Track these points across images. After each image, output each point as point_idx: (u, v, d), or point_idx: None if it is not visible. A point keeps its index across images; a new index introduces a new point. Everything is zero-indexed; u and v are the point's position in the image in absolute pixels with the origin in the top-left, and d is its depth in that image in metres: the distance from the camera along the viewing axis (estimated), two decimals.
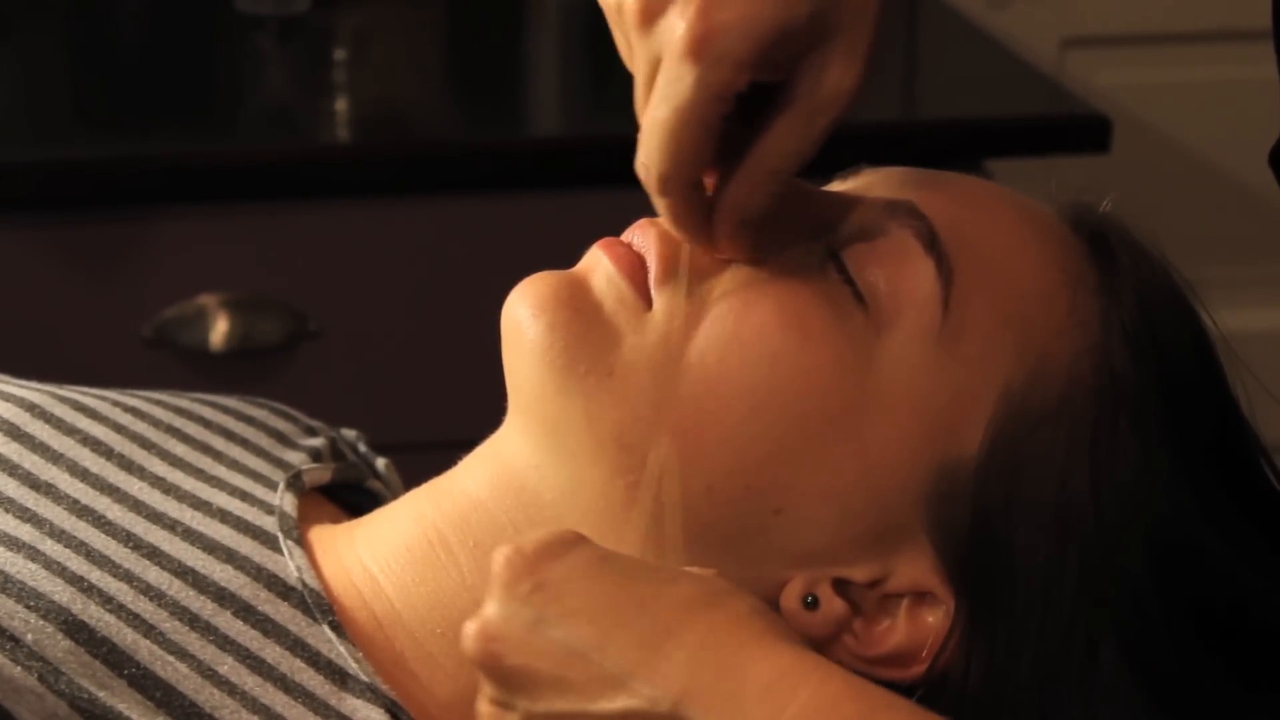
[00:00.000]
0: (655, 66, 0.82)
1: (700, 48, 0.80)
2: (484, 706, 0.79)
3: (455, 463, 0.93)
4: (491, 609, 0.78)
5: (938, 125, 1.86)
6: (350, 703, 0.85)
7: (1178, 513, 0.85)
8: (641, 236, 0.89)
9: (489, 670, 0.78)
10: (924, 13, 2.14)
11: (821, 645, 0.85)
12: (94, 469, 0.92)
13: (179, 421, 0.98)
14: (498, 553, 0.79)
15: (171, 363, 1.73)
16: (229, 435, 0.99)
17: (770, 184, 0.83)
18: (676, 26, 0.80)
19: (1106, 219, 0.91)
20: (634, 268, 0.88)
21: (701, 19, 0.80)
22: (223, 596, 0.87)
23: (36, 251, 1.72)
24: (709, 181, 0.85)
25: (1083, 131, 1.85)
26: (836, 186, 0.92)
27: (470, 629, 0.78)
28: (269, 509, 0.93)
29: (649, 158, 0.82)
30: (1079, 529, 0.84)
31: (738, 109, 0.81)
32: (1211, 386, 0.89)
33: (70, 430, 0.94)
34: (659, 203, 0.84)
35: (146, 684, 0.82)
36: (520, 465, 0.89)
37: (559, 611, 0.77)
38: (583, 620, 0.77)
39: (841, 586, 0.86)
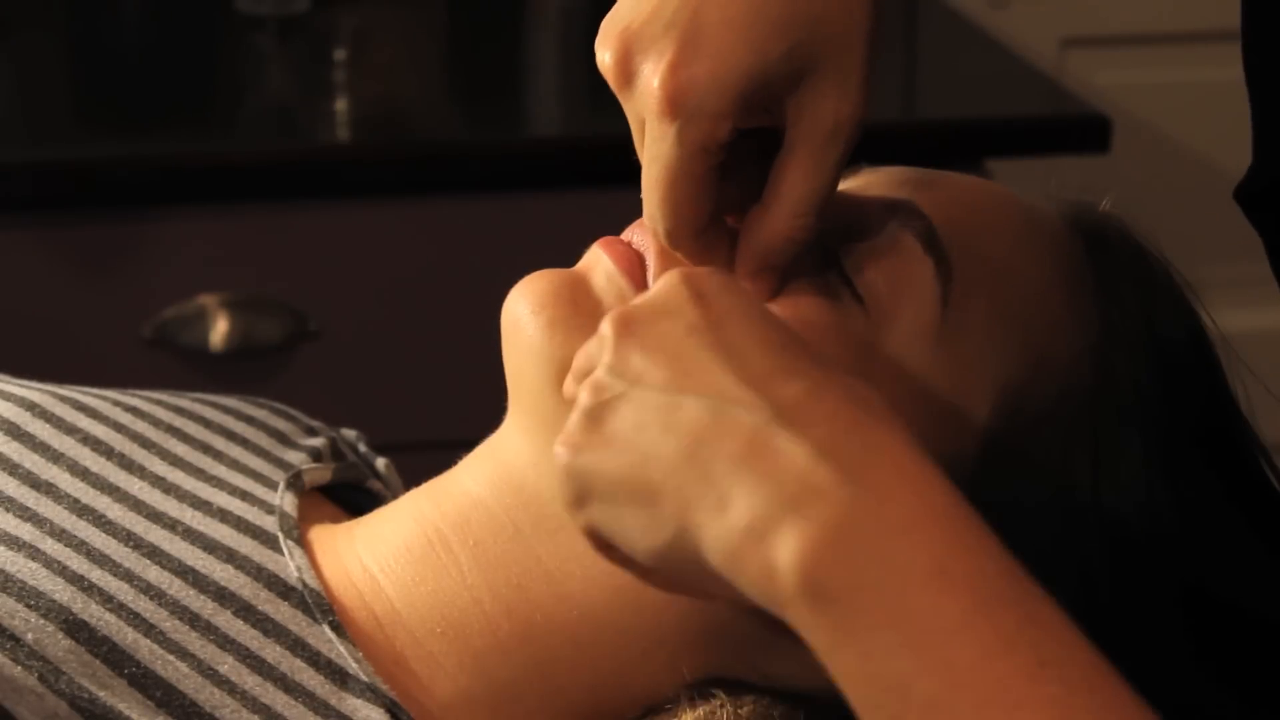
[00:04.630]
0: (642, 124, 0.82)
1: (674, 106, 0.80)
2: (581, 377, 0.75)
3: (455, 463, 0.93)
4: (647, 296, 0.74)
5: (938, 125, 1.86)
6: (350, 702, 0.86)
7: (1177, 512, 0.85)
8: (641, 235, 0.89)
9: (615, 335, 0.73)
10: (924, 13, 2.14)
11: None
12: (94, 468, 0.92)
13: (179, 421, 0.98)
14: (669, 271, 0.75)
15: (171, 363, 1.73)
16: (229, 435, 0.99)
17: (798, 224, 0.83)
18: (650, 85, 0.80)
19: (1106, 219, 0.91)
20: (634, 266, 0.88)
21: (671, 77, 0.80)
22: (223, 596, 0.87)
23: (36, 251, 1.72)
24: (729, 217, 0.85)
25: (1082, 131, 1.85)
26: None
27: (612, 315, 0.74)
28: (269, 509, 0.93)
29: (651, 217, 0.83)
30: (1078, 528, 0.84)
31: (747, 148, 0.81)
32: (1211, 386, 0.89)
33: (70, 429, 0.94)
34: (676, 253, 0.85)
35: (147, 683, 0.82)
36: (520, 464, 0.89)
37: (712, 325, 0.73)
38: (738, 343, 0.72)
39: None
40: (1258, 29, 0.88)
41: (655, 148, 0.81)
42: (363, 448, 1.06)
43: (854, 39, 0.81)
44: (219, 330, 1.74)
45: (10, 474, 0.91)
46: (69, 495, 0.90)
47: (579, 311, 0.87)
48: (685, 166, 0.81)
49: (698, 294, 0.74)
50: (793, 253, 0.84)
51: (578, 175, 1.75)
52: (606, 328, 0.75)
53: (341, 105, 1.89)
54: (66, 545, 0.87)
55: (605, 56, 0.82)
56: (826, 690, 0.78)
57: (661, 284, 0.76)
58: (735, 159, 0.83)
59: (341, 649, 0.87)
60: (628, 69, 0.81)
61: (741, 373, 0.71)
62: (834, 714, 0.87)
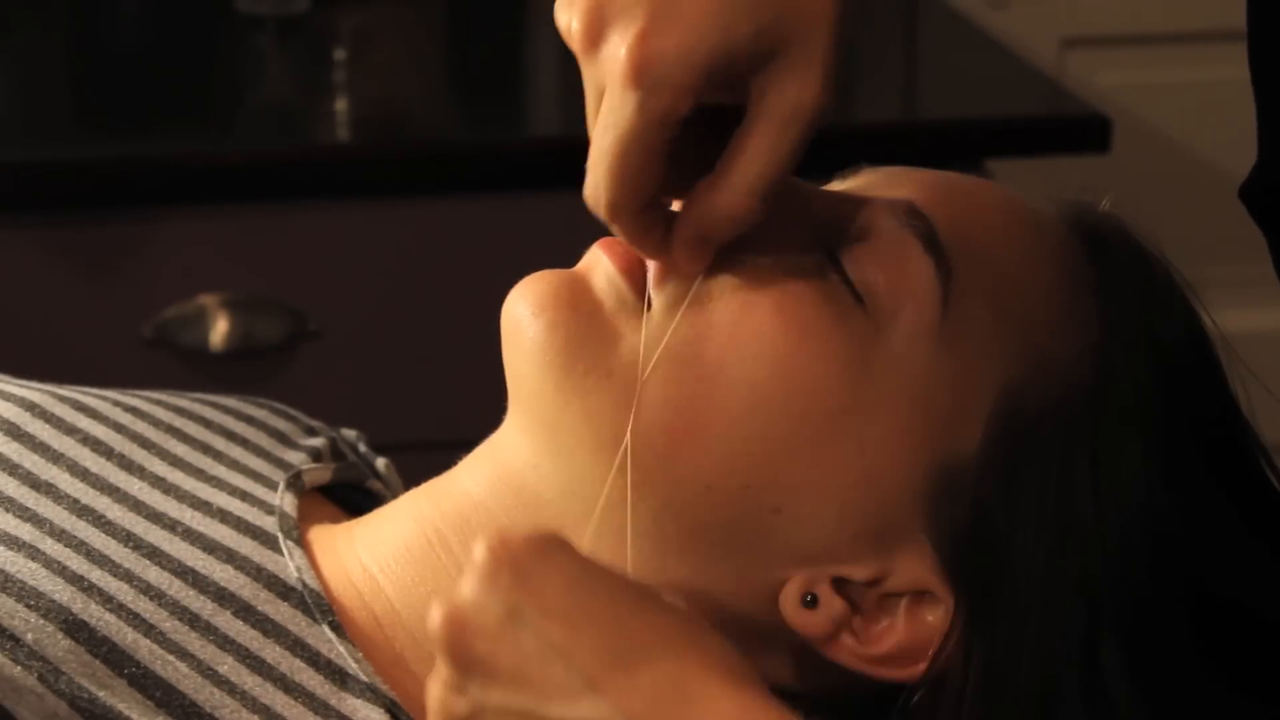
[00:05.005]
0: (601, 91, 0.82)
1: (639, 75, 0.80)
2: (435, 688, 0.78)
3: (455, 463, 0.93)
4: (466, 593, 0.77)
5: (938, 125, 1.86)
6: (350, 703, 0.86)
7: (1177, 512, 0.85)
8: None
9: (450, 653, 0.77)
10: (924, 13, 2.14)
11: (821, 644, 0.85)
12: (94, 469, 0.92)
13: (179, 421, 0.98)
14: (481, 540, 0.77)
15: (171, 363, 1.73)
16: (229, 435, 0.99)
17: (744, 203, 0.83)
18: (617, 53, 0.80)
19: (1106, 219, 0.91)
20: (633, 267, 0.88)
21: (640, 45, 0.80)
22: (223, 596, 0.87)
23: (36, 251, 1.72)
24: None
25: (1082, 131, 1.85)
26: (836, 186, 0.92)
27: (439, 609, 0.77)
28: (269, 509, 0.93)
29: (595, 186, 0.83)
30: (1078, 528, 0.84)
31: (706, 123, 0.81)
32: (1211, 386, 0.89)
33: (70, 430, 0.94)
34: (612, 227, 0.85)
35: (146, 683, 0.82)
36: (520, 465, 0.89)
37: (536, 609, 0.76)
38: (556, 622, 0.76)
39: (841, 585, 0.86)
40: (1263, 27, 0.88)
41: (612, 115, 0.81)
42: (363, 448, 1.06)
43: (820, 27, 0.81)
44: (219, 330, 1.74)
45: (10, 474, 0.91)
46: (69, 495, 0.90)
47: (579, 313, 0.87)
48: (641, 139, 0.81)
49: (516, 577, 0.76)
50: (732, 232, 0.83)
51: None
52: (437, 625, 0.77)
53: (341, 105, 1.89)
54: (66, 545, 0.87)
55: (572, 20, 0.82)
56: (820, 692, 0.79)
57: (478, 570, 0.77)
58: (682, 143, 0.82)
59: (341, 649, 0.87)
60: (595, 34, 0.81)
61: (582, 677, 0.75)
62: (832, 714, 0.88)
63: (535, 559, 0.77)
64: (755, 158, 0.82)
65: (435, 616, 0.77)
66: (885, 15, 2.09)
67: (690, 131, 0.82)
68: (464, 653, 0.77)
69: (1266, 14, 0.88)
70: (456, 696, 0.77)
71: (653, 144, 0.81)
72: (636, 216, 0.84)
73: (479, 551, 0.77)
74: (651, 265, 0.87)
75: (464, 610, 0.77)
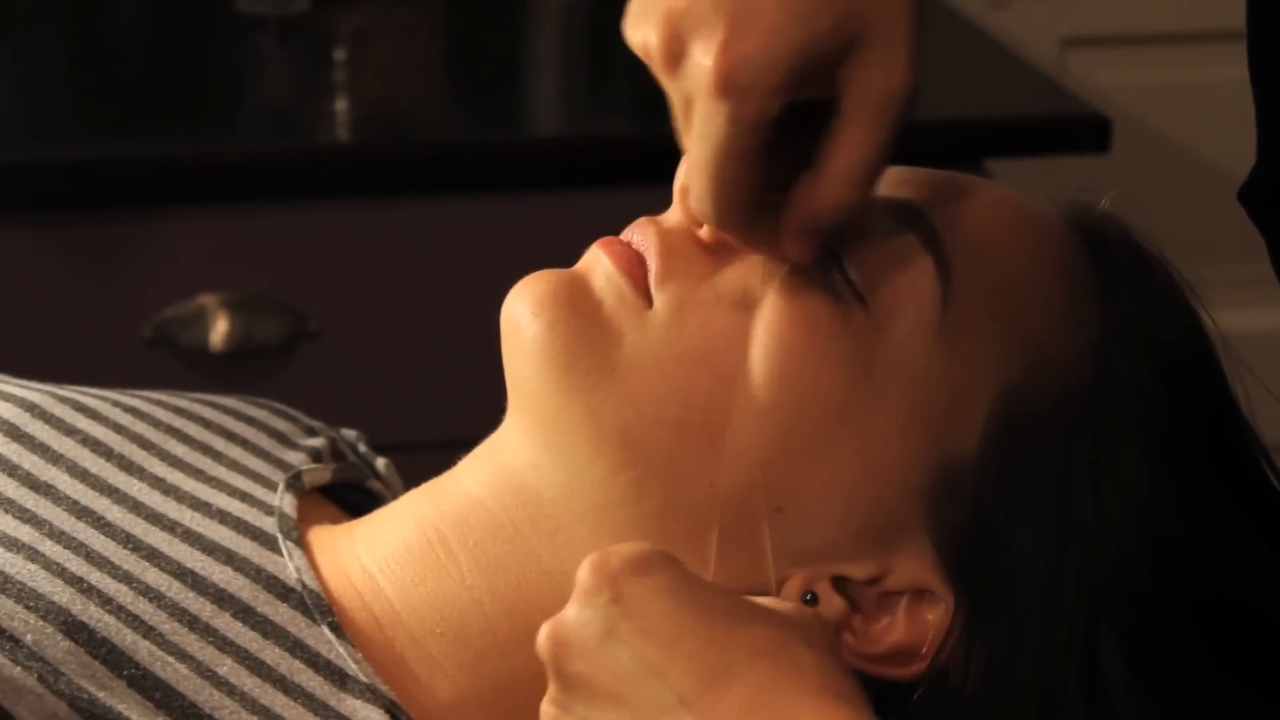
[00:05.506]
0: (688, 106, 0.82)
1: (729, 84, 0.80)
2: (546, 706, 0.80)
3: (455, 463, 0.93)
4: (570, 612, 0.79)
5: (938, 125, 1.86)
6: (350, 703, 0.86)
7: (1177, 511, 0.85)
8: (641, 235, 0.89)
9: (555, 671, 0.79)
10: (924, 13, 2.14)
11: None
12: (94, 470, 0.92)
13: (179, 422, 0.98)
14: (587, 559, 0.80)
15: (171, 363, 1.73)
16: (229, 436, 0.99)
17: (850, 192, 0.83)
18: (702, 66, 0.80)
19: (1106, 218, 0.91)
20: (634, 266, 0.88)
21: (724, 55, 0.79)
22: (222, 598, 0.87)
23: (36, 251, 1.72)
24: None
25: (1083, 131, 1.85)
26: None
27: (545, 628, 0.79)
28: (269, 510, 0.93)
29: (699, 199, 0.83)
30: (1078, 527, 0.84)
31: (787, 124, 0.81)
32: (1211, 386, 0.89)
33: (70, 431, 0.94)
34: (725, 234, 0.86)
35: (146, 684, 0.82)
36: (519, 465, 0.89)
37: (631, 628, 0.78)
38: (652, 641, 0.78)
39: (841, 584, 0.86)
40: (1262, 27, 0.88)
41: (705, 127, 0.81)
42: (363, 448, 1.06)
43: (898, 11, 0.81)
44: (219, 330, 1.74)
45: (10, 475, 0.91)
46: (68, 497, 0.90)
47: (578, 313, 0.87)
48: (737, 146, 0.81)
49: (613, 595, 0.78)
50: (838, 220, 0.83)
51: (578, 175, 1.75)
52: (543, 643, 0.79)
53: (341, 105, 1.89)
54: (66, 547, 0.87)
55: (649, 36, 0.82)
56: None
57: (580, 589, 0.79)
58: (775, 139, 0.82)
59: (341, 650, 0.87)
60: (675, 49, 0.81)
61: (675, 695, 0.77)
62: None
63: (634, 576, 0.79)
64: (854, 149, 0.82)
65: (542, 635, 0.79)
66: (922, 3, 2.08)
67: (783, 126, 0.82)
68: (565, 671, 0.79)
69: (1266, 14, 0.88)
70: (562, 715, 0.79)
71: (749, 149, 0.81)
72: (744, 219, 0.84)
73: (582, 570, 0.79)
74: (652, 264, 0.88)
75: (565, 628, 0.79)
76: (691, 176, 0.83)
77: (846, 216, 0.84)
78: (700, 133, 0.81)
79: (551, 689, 0.80)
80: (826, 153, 0.82)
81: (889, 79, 0.81)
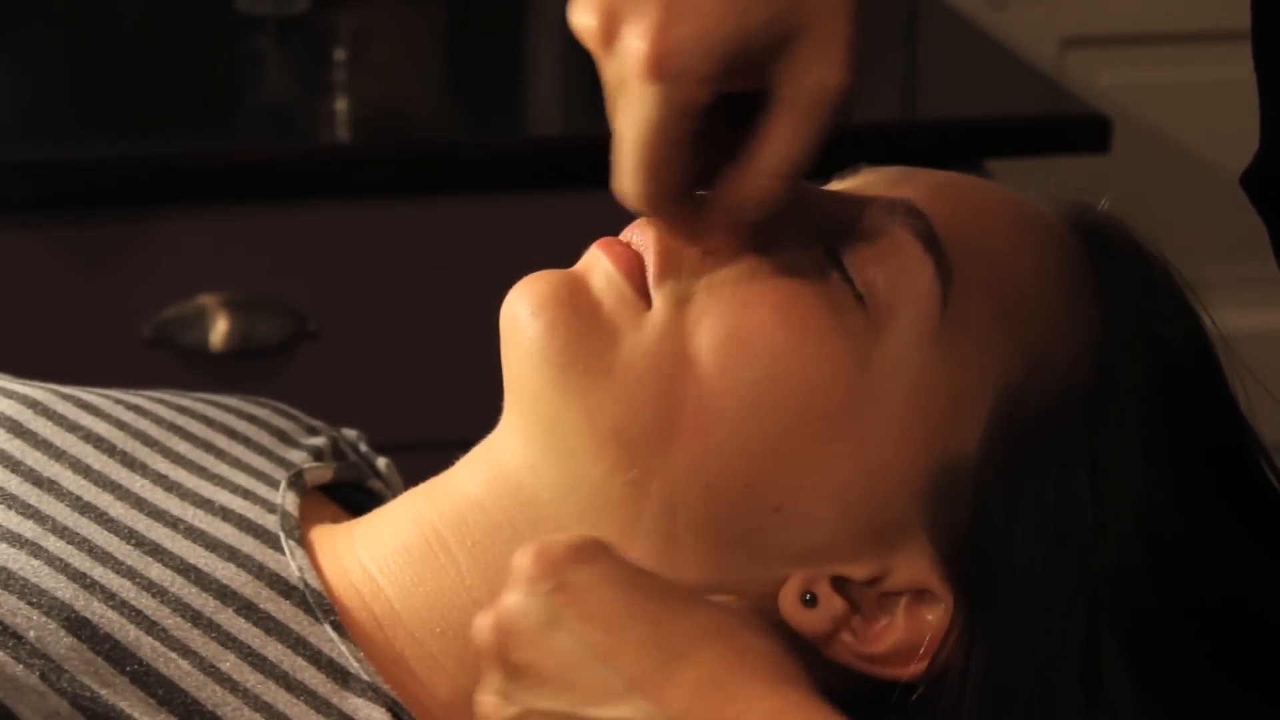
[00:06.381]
0: (620, 86, 0.82)
1: (658, 68, 0.80)
2: (484, 696, 0.80)
3: (454, 463, 0.93)
4: (510, 600, 0.79)
5: (938, 125, 1.86)
6: (352, 701, 0.86)
7: (1176, 512, 0.85)
8: (640, 235, 0.89)
9: (497, 660, 0.79)
10: (924, 13, 2.14)
11: (820, 643, 0.85)
12: (96, 466, 0.93)
13: (181, 419, 0.98)
14: (525, 547, 0.80)
15: (171, 363, 1.73)
16: (231, 433, 0.99)
17: (774, 186, 0.83)
18: (633, 47, 0.80)
19: (1106, 218, 0.91)
20: (633, 266, 0.88)
21: (657, 38, 0.80)
22: (225, 594, 0.87)
23: (36, 251, 1.72)
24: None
25: (1083, 131, 1.85)
26: (836, 186, 0.92)
27: (484, 617, 0.79)
28: (271, 507, 0.93)
29: (625, 179, 0.83)
30: (1078, 527, 0.84)
31: (723, 112, 0.81)
32: (1211, 386, 0.89)
33: (73, 427, 0.94)
34: (647, 219, 0.86)
35: (149, 681, 0.82)
36: (517, 465, 0.89)
37: (575, 614, 0.78)
38: (597, 626, 0.78)
39: (840, 584, 0.86)
40: (1266, 11, 0.88)
41: (634, 110, 0.81)
42: (364, 447, 1.06)
43: (837, 9, 0.81)
44: (219, 330, 1.74)
45: (12, 471, 0.91)
46: (71, 493, 0.90)
47: (578, 313, 0.87)
48: (665, 131, 0.81)
49: (557, 584, 0.79)
50: (762, 214, 0.84)
51: (578, 175, 1.75)
52: (483, 632, 0.79)
53: (341, 105, 1.89)
54: (68, 543, 0.87)
55: (586, 18, 0.82)
56: (819, 690, 0.79)
57: (520, 577, 0.79)
58: (708, 131, 0.83)
59: (343, 648, 0.87)
60: (610, 30, 0.82)
61: (624, 680, 0.77)
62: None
63: (575, 564, 0.79)
64: (780, 143, 0.82)
65: (480, 624, 0.79)
66: (885, 15, 2.09)
67: (716, 118, 0.82)
68: (509, 660, 0.79)
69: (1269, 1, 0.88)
70: (504, 703, 0.79)
71: (677, 134, 0.81)
72: (669, 205, 0.84)
73: (520, 559, 0.79)
74: (651, 264, 0.88)
75: (507, 617, 0.79)
76: (617, 160, 0.83)
77: (770, 210, 0.84)
78: (629, 115, 0.82)
79: (492, 679, 0.80)
80: (754, 145, 0.82)
81: (822, 75, 0.81)
